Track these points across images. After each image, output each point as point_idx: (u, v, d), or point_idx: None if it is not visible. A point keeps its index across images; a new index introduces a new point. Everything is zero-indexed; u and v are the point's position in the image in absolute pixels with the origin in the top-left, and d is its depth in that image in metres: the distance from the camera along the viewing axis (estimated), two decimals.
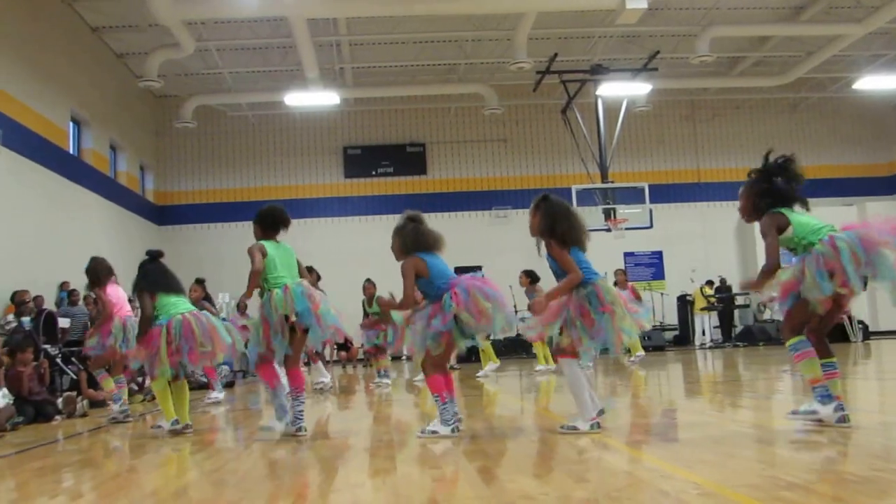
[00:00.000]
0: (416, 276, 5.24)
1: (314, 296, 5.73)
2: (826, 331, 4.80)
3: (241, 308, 16.47)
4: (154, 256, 6.69)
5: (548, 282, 5.63)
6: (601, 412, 5.09)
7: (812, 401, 4.58)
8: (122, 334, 7.52)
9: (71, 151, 16.58)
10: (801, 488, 3.18)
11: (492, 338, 11.54)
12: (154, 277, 6.45)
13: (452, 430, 5.16)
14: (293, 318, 5.59)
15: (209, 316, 6.46)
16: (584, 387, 5.01)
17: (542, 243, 5.10)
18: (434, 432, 5.17)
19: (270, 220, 5.96)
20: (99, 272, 7.67)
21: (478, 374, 11.93)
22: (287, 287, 5.64)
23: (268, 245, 5.82)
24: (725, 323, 20.27)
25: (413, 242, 5.36)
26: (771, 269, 4.64)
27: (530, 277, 11.72)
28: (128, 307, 7.94)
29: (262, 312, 5.68)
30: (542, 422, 6.30)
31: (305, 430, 5.69)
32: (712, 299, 19.81)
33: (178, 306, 6.31)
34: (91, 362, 8.10)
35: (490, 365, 12.01)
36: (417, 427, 5.52)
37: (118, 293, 7.87)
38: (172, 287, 6.46)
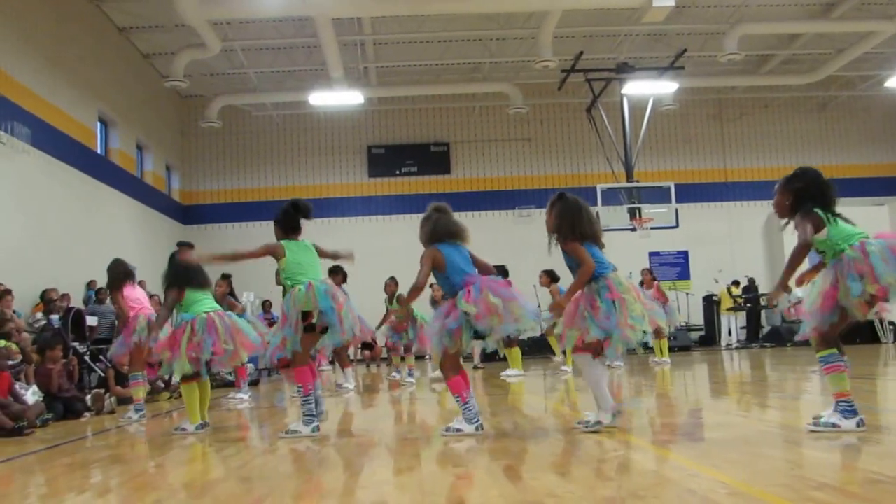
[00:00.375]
0: (435, 268, 5.26)
1: (337, 295, 5.72)
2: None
3: (267, 307, 16.61)
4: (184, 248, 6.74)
5: (565, 278, 5.66)
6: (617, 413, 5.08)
7: (834, 413, 4.52)
8: (147, 331, 7.50)
9: (98, 151, 16.78)
10: (832, 488, 3.13)
11: (514, 337, 11.29)
12: (184, 271, 6.49)
13: (476, 428, 5.16)
14: (314, 317, 5.56)
15: (233, 316, 6.52)
16: (600, 380, 5.05)
17: (554, 240, 5.20)
18: (458, 430, 5.18)
19: (290, 219, 5.95)
20: (115, 275, 7.80)
21: (502, 374, 11.92)
22: (311, 284, 5.63)
23: (288, 245, 5.83)
24: (752, 323, 20.05)
25: (432, 232, 5.40)
26: (804, 244, 4.59)
27: (550, 277, 11.70)
28: (149, 306, 8.01)
29: (282, 308, 5.72)
30: (567, 421, 6.26)
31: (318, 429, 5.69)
32: (740, 300, 19.62)
33: (203, 304, 6.39)
34: (129, 364, 7.92)
35: (515, 370, 11.97)
36: (441, 425, 5.52)
37: (136, 293, 7.93)
38: (200, 282, 6.52)
